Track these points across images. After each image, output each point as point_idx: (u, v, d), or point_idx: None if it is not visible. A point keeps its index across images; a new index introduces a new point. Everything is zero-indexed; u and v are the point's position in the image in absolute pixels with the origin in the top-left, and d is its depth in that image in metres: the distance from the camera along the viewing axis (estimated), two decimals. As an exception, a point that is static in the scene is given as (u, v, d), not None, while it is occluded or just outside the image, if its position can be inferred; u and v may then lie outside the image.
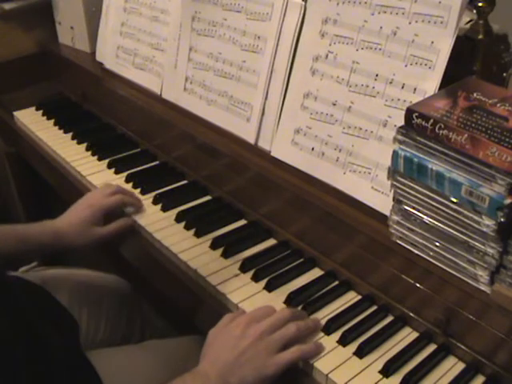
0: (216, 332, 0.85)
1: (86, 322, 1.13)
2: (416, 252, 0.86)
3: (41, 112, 1.56)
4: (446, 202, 0.79)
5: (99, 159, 1.35)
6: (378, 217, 0.91)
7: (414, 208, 0.84)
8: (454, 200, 0.78)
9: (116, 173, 1.30)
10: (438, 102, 0.81)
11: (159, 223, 1.12)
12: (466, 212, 0.77)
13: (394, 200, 0.86)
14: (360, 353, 0.84)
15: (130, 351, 1.10)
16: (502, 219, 0.73)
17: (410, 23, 0.90)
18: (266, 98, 1.10)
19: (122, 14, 1.45)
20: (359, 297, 0.95)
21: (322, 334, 0.88)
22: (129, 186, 1.24)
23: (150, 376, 1.02)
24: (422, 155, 0.80)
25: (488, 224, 0.75)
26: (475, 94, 0.81)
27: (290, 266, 1.01)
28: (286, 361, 0.80)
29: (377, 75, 0.94)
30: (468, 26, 0.99)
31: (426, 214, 0.83)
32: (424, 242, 0.84)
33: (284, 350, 0.82)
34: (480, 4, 0.97)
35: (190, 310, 1.01)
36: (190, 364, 1.04)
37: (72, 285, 1.17)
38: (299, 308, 0.92)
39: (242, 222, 1.13)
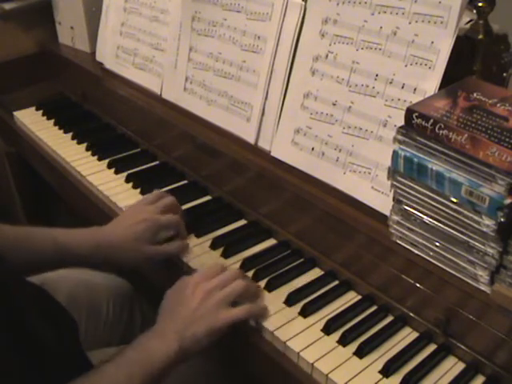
0: (170, 293, 0.90)
1: (85, 321, 1.13)
2: (416, 252, 0.86)
3: (41, 112, 1.56)
4: (446, 202, 0.79)
5: (99, 159, 1.35)
6: (378, 217, 0.91)
7: (414, 208, 0.84)
8: (454, 200, 0.78)
9: (116, 173, 1.30)
10: (438, 101, 0.81)
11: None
12: (466, 212, 0.77)
13: (393, 200, 0.86)
14: (360, 353, 0.84)
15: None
16: (502, 219, 0.73)
17: (409, 23, 0.90)
18: (266, 98, 1.10)
19: (122, 14, 1.45)
20: (359, 297, 0.95)
21: (321, 333, 0.88)
22: (129, 186, 1.25)
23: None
24: (422, 155, 0.80)
25: (488, 224, 0.75)
26: (475, 94, 0.81)
27: (290, 266, 1.01)
28: (234, 316, 0.85)
29: (377, 75, 0.94)
30: (468, 26, 0.99)
31: (426, 214, 0.83)
32: (424, 242, 0.84)
33: (234, 306, 0.86)
34: (480, 4, 0.97)
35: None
36: (188, 364, 1.05)
37: (71, 284, 1.17)
38: (299, 308, 0.92)
39: (242, 222, 1.13)
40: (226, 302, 0.86)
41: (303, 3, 1.04)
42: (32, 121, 1.53)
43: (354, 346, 0.85)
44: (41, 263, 1.01)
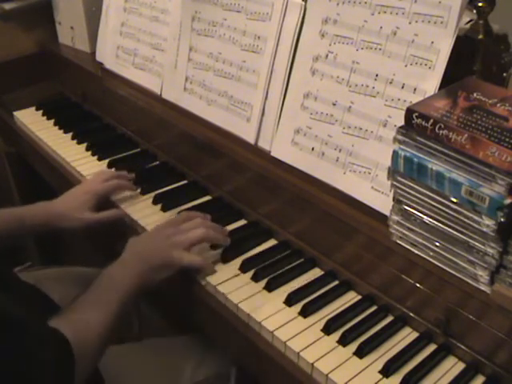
0: (136, 237, 1.02)
1: None
2: (416, 252, 0.86)
3: (41, 112, 1.56)
4: (446, 202, 0.79)
5: (99, 159, 1.35)
6: (378, 217, 0.91)
7: (414, 208, 0.84)
8: (454, 200, 0.78)
9: (116, 173, 1.30)
10: (438, 101, 0.81)
11: (159, 223, 1.12)
12: (466, 212, 0.77)
13: (393, 200, 0.86)
14: (360, 353, 0.84)
15: (128, 349, 1.10)
16: (502, 219, 0.73)
17: (410, 23, 0.90)
18: (266, 98, 1.10)
19: (121, 14, 1.45)
20: (359, 297, 0.95)
21: (321, 333, 0.88)
22: (129, 186, 1.25)
23: (148, 374, 1.02)
24: (422, 155, 0.80)
25: (488, 224, 0.75)
26: (475, 94, 0.81)
27: (290, 266, 1.01)
28: (184, 259, 0.96)
29: (377, 75, 0.94)
30: (468, 26, 0.99)
31: (426, 214, 0.83)
32: (424, 242, 0.84)
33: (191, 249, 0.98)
34: (480, 4, 0.97)
35: (190, 310, 1.01)
36: (186, 362, 1.05)
37: (67, 283, 1.17)
38: (299, 308, 0.92)
39: (242, 222, 1.13)
40: (182, 245, 0.97)
41: (303, 3, 1.04)
42: (32, 121, 1.53)
43: (353, 346, 0.85)
44: (7, 238, 1.11)
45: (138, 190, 1.22)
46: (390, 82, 0.92)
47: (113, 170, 1.29)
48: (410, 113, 0.80)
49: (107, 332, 0.86)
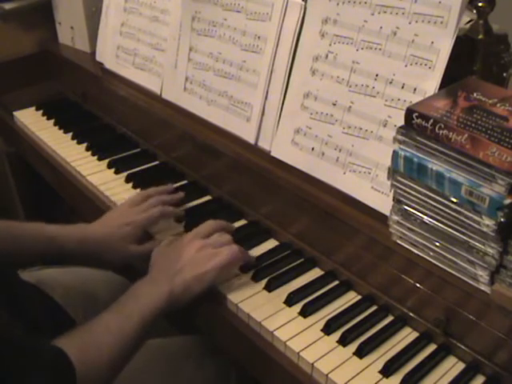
0: (162, 249, 0.96)
1: (82, 320, 1.13)
2: (416, 252, 0.86)
3: (41, 112, 1.56)
4: (446, 202, 0.79)
5: (99, 159, 1.35)
6: (378, 217, 0.91)
7: (414, 208, 0.84)
8: (454, 200, 0.78)
9: (116, 173, 1.30)
10: (438, 102, 0.81)
11: (159, 223, 1.12)
12: (466, 212, 0.77)
13: (394, 200, 0.86)
14: (360, 353, 0.84)
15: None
16: (502, 219, 0.73)
17: (409, 23, 0.90)
18: (266, 98, 1.10)
19: (122, 14, 1.45)
20: (359, 297, 0.95)
21: (321, 333, 0.88)
22: (129, 186, 1.25)
23: (150, 374, 1.02)
24: (421, 155, 0.80)
25: (488, 224, 0.75)
26: (475, 94, 0.81)
27: (290, 266, 1.01)
28: (219, 263, 0.91)
29: (377, 75, 0.94)
30: (468, 26, 0.99)
31: (425, 214, 0.83)
32: (424, 242, 0.84)
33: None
34: (480, 4, 0.97)
35: (190, 310, 1.01)
36: (186, 362, 1.05)
37: (67, 283, 1.17)
38: (299, 308, 0.92)
39: (242, 222, 1.13)
40: (212, 257, 0.91)
41: (303, 3, 1.04)
42: (32, 121, 1.53)
43: (354, 346, 0.85)
44: (31, 256, 1.06)
45: (138, 190, 1.22)
46: (390, 82, 0.92)
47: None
48: (409, 113, 0.80)
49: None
